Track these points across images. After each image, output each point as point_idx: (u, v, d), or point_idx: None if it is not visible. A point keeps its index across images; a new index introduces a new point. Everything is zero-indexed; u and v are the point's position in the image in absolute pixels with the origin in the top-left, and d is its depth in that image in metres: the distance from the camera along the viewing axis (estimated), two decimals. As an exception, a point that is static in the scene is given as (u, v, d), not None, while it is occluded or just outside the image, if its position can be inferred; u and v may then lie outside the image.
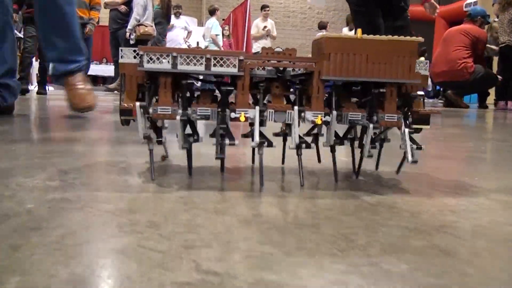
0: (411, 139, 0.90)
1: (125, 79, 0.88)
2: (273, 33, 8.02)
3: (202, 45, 7.96)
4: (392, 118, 0.89)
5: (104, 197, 0.75)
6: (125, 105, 0.86)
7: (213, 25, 8.04)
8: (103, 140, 1.49)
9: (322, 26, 8.47)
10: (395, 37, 0.87)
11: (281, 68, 0.89)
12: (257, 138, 0.85)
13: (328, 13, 13.55)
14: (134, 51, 0.87)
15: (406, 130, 0.88)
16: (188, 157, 0.93)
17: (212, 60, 0.83)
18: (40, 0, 2.21)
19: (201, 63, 0.83)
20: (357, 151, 0.96)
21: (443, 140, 1.84)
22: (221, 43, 8.05)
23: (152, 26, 6.18)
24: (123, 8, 6.12)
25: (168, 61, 0.83)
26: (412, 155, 0.88)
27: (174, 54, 0.83)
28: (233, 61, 0.84)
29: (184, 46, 7.80)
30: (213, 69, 0.84)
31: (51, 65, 2.30)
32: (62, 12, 2.21)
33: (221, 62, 0.84)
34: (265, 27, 7.91)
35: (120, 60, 0.87)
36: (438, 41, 6.86)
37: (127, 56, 0.87)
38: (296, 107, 0.86)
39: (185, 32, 7.98)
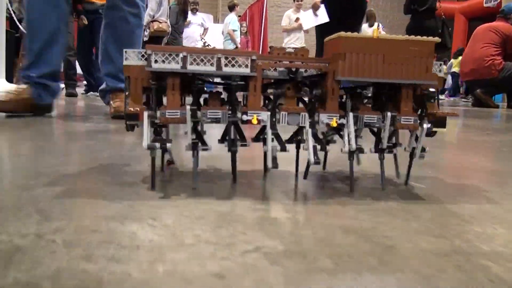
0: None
1: (130, 82, 0.87)
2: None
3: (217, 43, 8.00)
4: (408, 121, 0.89)
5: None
6: (131, 109, 0.84)
7: (231, 20, 8.05)
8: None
9: None
10: (412, 37, 0.86)
11: (293, 69, 0.89)
12: (269, 142, 0.85)
13: None
14: (139, 52, 0.85)
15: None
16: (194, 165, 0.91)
17: (223, 60, 0.83)
18: (111, 15, 2.29)
19: (212, 63, 0.83)
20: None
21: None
22: (238, 40, 8.04)
23: (166, 22, 6.14)
24: None
25: (178, 61, 0.82)
26: (421, 156, 0.90)
27: (184, 53, 0.82)
28: (245, 61, 0.84)
29: (200, 43, 7.83)
30: (224, 69, 0.83)
31: (106, 80, 2.38)
32: (131, 31, 2.29)
33: (233, 62, 0.84)
34: (297, 19, 7.19)
35: (124, 62, 0.86)
36: (458, 38, 6.78)
37: (131, 57, 0.86)
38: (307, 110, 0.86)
39: (202, 29, 7.99)
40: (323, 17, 3.55)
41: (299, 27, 7.16)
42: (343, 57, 0.85)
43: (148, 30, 5.94)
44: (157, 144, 0.86)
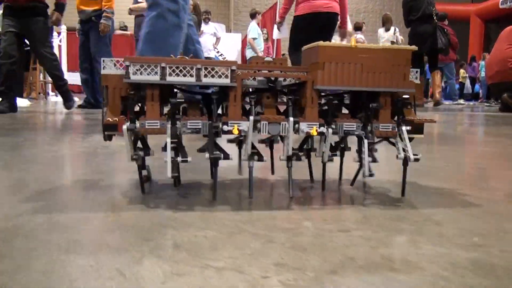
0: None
1: (107, 92, 0.90)
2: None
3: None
4: (387, 128, 0.93)
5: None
6: (109, 119, 0.87)
7: (251, 28, 8.09)
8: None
9: (357, 27, 8.42)
10: (390, 45, 0.90)
11: (272, 78, 0.93)
12: (249, 150, 0.89)
13: (358, 15, 13.56)
14: (117, 61, 0.89)
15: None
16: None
17: (203, 70, 0.87)
18: (149, 12, 2.29)
19: (191, 74, 0.87)
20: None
21: None
22: (260, 47, 8.05)
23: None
24: None
25: (156, 72, 0.86)
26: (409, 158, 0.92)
27: (163, 64, 0.86)
28: (225, 71, 0.87)
29: (213, 52, 7.91)
30: (204, 80, 0.87)
31: None
32: (166, 29, 2.27)
33: (213, 72, 0.87)
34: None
35: (102, 72, 0.89)
36: (475, 40, 6.77)
37: (109, 66, 0.89)
38: (291, 118, 0.89)
39: (214, 38, 8.07)
40: (284, 32, 4.77)
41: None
42: (321, 67, 0.88)
43: None
44: (141, 153, 0.91)
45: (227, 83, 0.88)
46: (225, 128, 0.89)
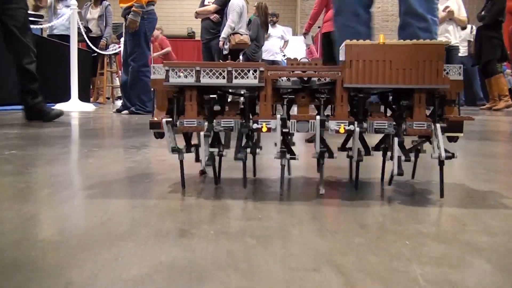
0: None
1: (156, 94, 1.04)
2: (460, 15, 6.70)
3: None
4: (421, 126, 0.96)
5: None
6: (155, 118, 1.01)
7: None
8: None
9: None
10: (420, 41, 0.93)
11: (306, 78, 1.00)
12: (278, 148, 0.96)
13: None
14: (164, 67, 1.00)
15: (439, 136, 0.94)
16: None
17: (234, 72, 0.96)
18: (403, 34, 2.45)
19: (223, 76, 0.96)
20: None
21: None
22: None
23: (247, 35, 6.19)
24: (215, 17, 6.11)
25: (192, 75, 0.97)
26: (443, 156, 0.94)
27: (197, 68, 0.96)
28: (254, 72, 0.96)
29: (280, 55, 8.02)
30: (234, 81, 0.96)
31: None
32: None
33: (242, 74, 0.96)
34: (446, 7, 6.55)
35: (152, 76, 1.03)
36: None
37: (158, 72, 1.02)
38: (318, 117, 0.96)
39: (282, 41, 8.17)
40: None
41: (450, 16, 6.61)
42: (349, 65, 0.94)
43: (228, 43, 5.98)
44: (182, 148, 1.03)
45: (255, 84, 0.96)
46: (255, 126, 0.97)
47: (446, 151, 0.95)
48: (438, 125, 0.95)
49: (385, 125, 0.97)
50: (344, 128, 0.96)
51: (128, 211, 0.85)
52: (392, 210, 0.89)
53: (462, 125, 0.97)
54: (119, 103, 7.38)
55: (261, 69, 0.96)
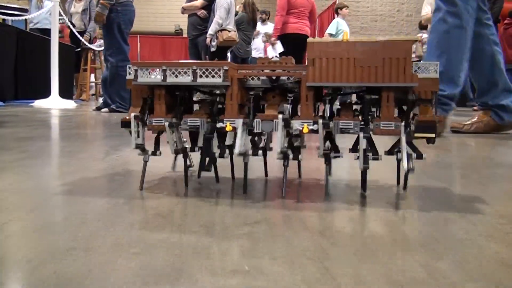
0: (412, 147, 0.99)
1: (131, 94, 1.08)
2: None
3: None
4: (388, 126, 0.97)
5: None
6: (126, 117, 1.05)
7: (331, 24, 7.99)
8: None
9: (422, 26, 8.27)
10: (386, 37, 0.95)
11: (274, 78, 1.03)
12: (238, 147, 0.98)
13: (418, 14, 13.38)
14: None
15: (403, 137, 0.96)
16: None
17: (198, 71, 0.99)
18: (434, 19, 2.55)
19: (188, 75, 0.99)
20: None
21: None
22: None
23: (235, 31, 6.04)
24: (202, 13, 6.15)
25: (159, 74, 1.00)
26: (408, 164, 0.96)
27: (164, 67, 1.00)
28: (218, 71, 0.99)
29: (273, 52, 8.01)
30: (199, 80, 0.99)
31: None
32: (445, 32, 2.48)
33: (207, 73, 0.99)
34: None
35: (127, 77, 1.06)
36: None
37: (131, 71, 1.05)
38: (280, 116, 0.98)
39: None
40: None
41: None
42: (311, 63, 0.97)
43: (216, 40, 5.95)
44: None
45: (219, 83, 0.99)
46: (219, 125, 1.00)
47: (414, 154, 0.98)
48: (403, 137, 0.96)
49: (350, 125, 0.98)
50: (308, 127, 0.98)
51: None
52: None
53: (434, 126, 0.97)
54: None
55: (225, 68, 0.99)
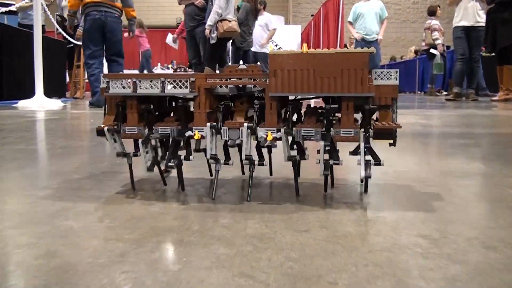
0: (372, 153, 1.11)
1: (106, 102, 1.20)
2: None
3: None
4: (348, 133, 1.08)
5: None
6: (101, 126, 1.18)
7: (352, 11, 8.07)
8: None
9: (431, 12, 8.35)
10: (344, 49, 1.06)
11: (241, 86, 1.15)
12: (208, 153, 1.11)
13: (424, 1, 13.47)
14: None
15: (362, 144, 1.08)
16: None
17: (167, 83, 1.12)
18: None
19: (157, 87, 1.12)
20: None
21: None
22: (361, 30, 7.87)
23: (236, 21, 6.13)
24: (199, 2, 6.18)
25: (129, 86, 1.13)
26: (366, 170, 1.08)
27: (134, 79, 1.12)
28: (185, 82, 1.11)
29: (272, 45, 8.06)
30: (167, 90, 1.12)
31: None
32: None
33: (174, 84, 1.11)
34: None
35: (101, 85, 1.18)
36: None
37: (104, 82, 1.17)
38: (245, 124, 1.10)
39: (266, 30, 8.12)
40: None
41: None
42: (273, 74, 1.08)
43: (216, 31, 5.94)
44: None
45: (186, 93, 1.12)
46: (188, 133, 1.13)
47: (373, 161, 1.10)
48: (361, 144, 1.09)
49: (312, 133, 1.10)
50: (272, 135, 1.11)
51: None
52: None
53: (391, 132, 1.08)
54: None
55: (192, 79, 1.11)
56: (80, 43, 7.43)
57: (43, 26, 7.26)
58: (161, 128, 1.15)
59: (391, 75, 1.10)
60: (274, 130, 1.11)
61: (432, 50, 9.11)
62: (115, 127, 1.17)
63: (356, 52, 1.06)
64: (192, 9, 6.45)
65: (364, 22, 7.84)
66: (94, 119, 3.83)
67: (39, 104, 5.42)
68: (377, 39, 7.78)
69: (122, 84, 1.14)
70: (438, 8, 8.80)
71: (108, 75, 1.15)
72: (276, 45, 8.32)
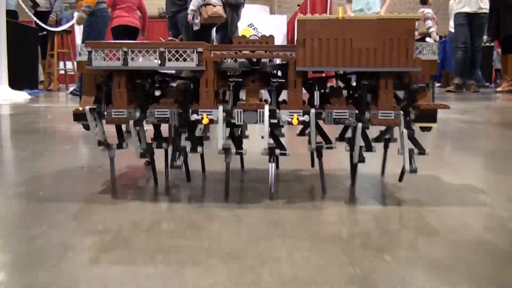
0: (414, 142, 0.95)
1: (83, 80, 1.00)
2: None
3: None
4: (388, 115, 0.94)
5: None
6: (80, 108, 0.97)
7: None
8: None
9: (424, 1, 8.23)
10: (387, 15, 0.90)
11: (255, 60, 0.97)
12: (220, 143, 0.94)
13: None
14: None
15: (405, 130, 0.93)
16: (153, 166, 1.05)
17: (167, 53, 0.92)
18: None
19: (155, 58, 0.93)
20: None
21: None
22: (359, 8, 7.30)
23: (221, 6, 5.82)
24: None
25: (119, 58, 0.93)
26: (411, 163, 0.93)
27: (125, 49, 0.92)
28: (190, 54, 0.93)
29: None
30: (168, 64, 0.92)
31: None
32: None
33: (177, 55, 0.92)
34: None
35: (78, 58, 0.99)
36: None
37: (84, 53, 0.98)
38: (266, 106, 0.93)
39: None
40: None
41: None
42: (302, 44, 0.91)
43: (199, 17, 5.60)
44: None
45: (193, 67, 0.93)
46: (194, 117, 0.94)
47: (416, 151, 0.96)
48: (404, 130, 0.94)
49: (346, 115, 0.94)
50: (298, 118, 0.94)
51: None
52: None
53: (435, 114, 0.95)
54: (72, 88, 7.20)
55: (200, 49, 0.93)
56: (53, 29, 7.19)
57: (15, 12, 7.01)
58: (157, 111, 0.95)
59: (429, 49, 0.97)
60: (300, 112, 0.93)
61: (427, 39, 8.97)
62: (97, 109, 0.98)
63: (401, 18, 0.91)
64: (173, -7, 6.20)
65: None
66: (54, 114, 3.49)
67: (3, 97, 5.04)
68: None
69: (109, 55, 0.94)
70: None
71: (90, 43, 0.94)
72: (255, 35, 8.11)
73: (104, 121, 0.99)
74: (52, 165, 1.36)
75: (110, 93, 0.98)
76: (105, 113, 0.97)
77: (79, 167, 1.25)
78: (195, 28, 5.76)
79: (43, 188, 1.08)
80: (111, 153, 1.02)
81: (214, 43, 7.08)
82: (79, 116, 0.98)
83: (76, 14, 5.85)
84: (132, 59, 0.93)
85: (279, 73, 1.01)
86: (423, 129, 0.99)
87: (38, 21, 7.01)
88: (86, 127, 1.01)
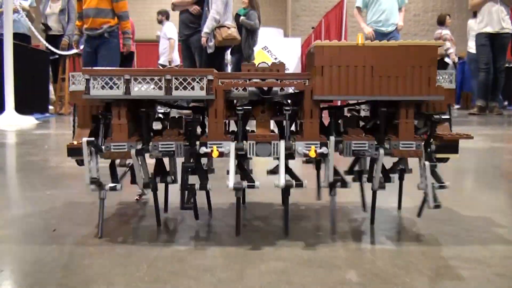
0: (434, 175, 0.89)
1: (76, 111, 0.94)
2: None
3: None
4: (409, 146, 0.89)
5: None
6: (74, 142, 0.91)
7: None
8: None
9: (441, 21, 8.18)
10: (408, 41, 0.86)
11: (266, 88, 0.92)
12: (232, 180, 0.88)
13: (425, 14, 13.56)
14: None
15: (427, 163, 0.88)
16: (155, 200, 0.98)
17: (174, 81, 0.87)
18: None
19: (160, 86, 0.88)
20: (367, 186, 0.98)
21: None
22: (373, 19, 6.95)
23: (235, 28, 5.83)
24: (195, 9, 5.92)
25: (119, 86, 0.87)
26: (435, 199, 0.88)
27: (127, 76, 0.87)
28: (199, 82, 0.88)
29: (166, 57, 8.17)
30: (174, 93, 0.87)
31: None
32: None
33: (185, 84, 0.87)
34: None
35: (71, 88, 0.93)
36: None
37: (78, 82, 0.93)
38: (283, 141, 0.88)
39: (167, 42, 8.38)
40: None
41: None
42: (320, 72, 0.86)
43: (213, 39, 5.65)
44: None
45: (202, 96, 0.88)
46: (203, 150, 0.89)
47: (437, 185, 0.91)
48: (427, 163, 0.89)
49: (365, 146, 0.89)
50: (316, 150, 0.88)
51: None
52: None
53: (457, 145, 0.91)
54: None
55: (210, 77, 0.88)
56: (65, 53, 7.19)
57: (28, 36, 7.05)
58: (162, 144, 0.90)
59: (446, 77, 0.93)
60: (317, 144, 0.88)
61: (446, 59, 8.90)
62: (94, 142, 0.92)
63: (423, 44, 0.86)
64: (186, 16, 6.27)
65: (381, 6, 6.52)
66: (52, 144, 3.37)
67: (8, 122, 4.99)
68: (396, 27, 6.56)
69: (109, 83, 0.88)
70: (448, 17, 8.61)
71: (89, 70, 0.88)
72: (275, 58, 8.14)
73: (99, 157, 0.93)
74: (15, 224, 1.15)
75: (108, 125, 0.92)
76: (103, 147, 0.91)
77: (50, 230, 1.07)
78: (209, 51, 5.76)
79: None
80: (102, 194, 0.95)
81: (229, 66, 7.09)
82: (73, 151, 0.92)
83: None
84: (135, 87, 0.88)
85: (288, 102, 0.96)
86: (439, 160, 0.94)
87: (48, 46, 7.02)
88: (80, 162, 0.95)
